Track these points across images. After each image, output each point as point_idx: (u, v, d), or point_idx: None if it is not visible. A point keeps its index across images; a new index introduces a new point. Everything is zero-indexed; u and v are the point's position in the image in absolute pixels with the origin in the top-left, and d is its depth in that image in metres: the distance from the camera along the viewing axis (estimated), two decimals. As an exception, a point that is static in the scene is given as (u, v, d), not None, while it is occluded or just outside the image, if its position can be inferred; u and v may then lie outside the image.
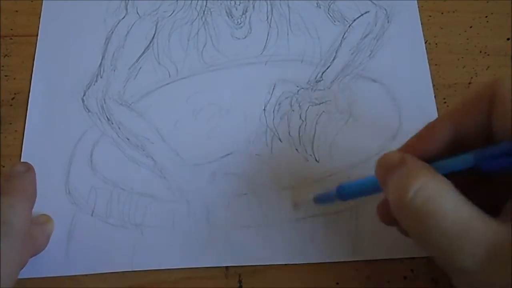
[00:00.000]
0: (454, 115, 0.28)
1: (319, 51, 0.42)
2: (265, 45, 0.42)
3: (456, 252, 0.23)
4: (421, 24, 0.44)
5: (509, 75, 0.26)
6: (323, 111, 0.40)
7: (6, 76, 0.39)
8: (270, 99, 0.40)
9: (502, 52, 0.44)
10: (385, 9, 0.44)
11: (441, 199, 0.24)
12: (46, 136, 0.36)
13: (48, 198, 0.34)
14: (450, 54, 0.43)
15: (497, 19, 0.45)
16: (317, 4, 0.44)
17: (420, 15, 0.44)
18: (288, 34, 0.43)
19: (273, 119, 0.39)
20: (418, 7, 0.45)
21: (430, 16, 0.45)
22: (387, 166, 0.27)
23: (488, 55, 0.43)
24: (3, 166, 0.36)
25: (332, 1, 0.44)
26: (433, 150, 0.27)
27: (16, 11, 0.42)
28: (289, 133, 0.39)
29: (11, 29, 0.40)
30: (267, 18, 0.43)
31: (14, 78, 0.39)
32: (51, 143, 0.36)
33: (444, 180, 0.25)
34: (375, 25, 0.44)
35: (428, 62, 0.43)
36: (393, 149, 0.39)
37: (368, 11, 0.44)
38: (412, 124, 0.40)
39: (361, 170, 0.38)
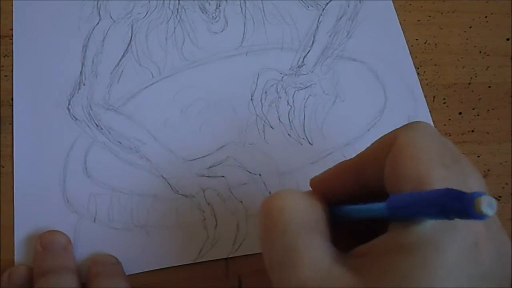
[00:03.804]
0: (357, 162, 0.26)
1: (297, 37, 0.43)
2: (243, 37, 0.42)
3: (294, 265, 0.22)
4: (420, 24, 0.44)
5: (409, 126, 0.23)
6: (310, 95, 0.40)
7: (6, 76, 0.37)
8: (255, 88, 0.40)
9: (501, 52, 0.44)
10: (355, -10, 0.44)
11: (289, 203, 0.24)
12: (36, 149, 0.35)
13: (48, 211, 0.33)
14: (450, 54, 0.43)
15: (496, 19, 0.45)
16: (288, -9, 0.44)
17: (419, 15, 0.44)
18: (264, 24, 0.43)
19: (262, 107, 0.39)
20: (418, 7, 0.45)
21: (430, 16, 0.45)
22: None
23: (488, 55, 0.44)
24: (3, 166, 0.34)
25: (302, -13, 0.44)
26: (338, 193, 0.26)
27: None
28: (279, 119, 0.39)
29: (11, 29, 0.39)
30: (241, 10, 0.43)
31: (14, 79, 0.38)
32: (42, 156, 0.35)
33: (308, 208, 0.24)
34: (348, 7, 0.45)
35: (428, 62, 0.43)
36: (383, 123, 0.40)
37: (339, -7, 0.44)
38: (397, 96, 0.41)
39: (355, 147, 0.38)
